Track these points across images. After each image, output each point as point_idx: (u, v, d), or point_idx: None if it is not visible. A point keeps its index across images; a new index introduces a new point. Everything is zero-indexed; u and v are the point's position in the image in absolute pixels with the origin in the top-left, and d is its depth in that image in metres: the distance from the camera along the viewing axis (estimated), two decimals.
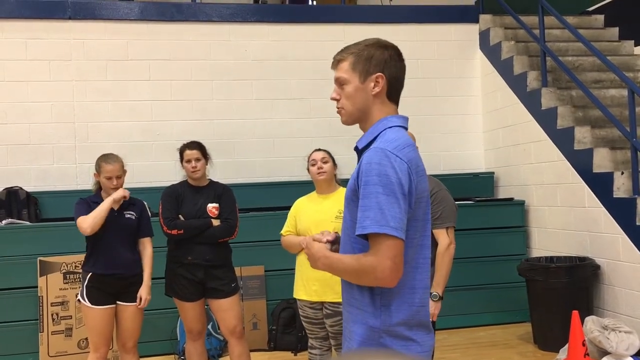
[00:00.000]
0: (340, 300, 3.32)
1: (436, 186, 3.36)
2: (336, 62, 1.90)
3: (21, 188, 5.59)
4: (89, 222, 3.58)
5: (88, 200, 3.71)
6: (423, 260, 1.79)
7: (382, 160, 1.69)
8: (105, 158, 3.74)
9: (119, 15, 6.13)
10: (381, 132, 1.79)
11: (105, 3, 6.20)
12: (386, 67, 1.81)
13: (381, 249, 1.66)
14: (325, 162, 3.56)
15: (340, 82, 1.87)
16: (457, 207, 3.49)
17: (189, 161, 3.88)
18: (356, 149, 1.88)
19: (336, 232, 1.99)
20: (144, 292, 3.69)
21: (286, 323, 5.17)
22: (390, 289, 1.72)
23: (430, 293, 3.22)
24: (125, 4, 6.22)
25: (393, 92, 1.84)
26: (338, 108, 1.90)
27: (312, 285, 3.44)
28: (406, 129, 1.84)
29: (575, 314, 3.78)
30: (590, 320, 4.31)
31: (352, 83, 1.83)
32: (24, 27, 5.90)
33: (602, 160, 4.89)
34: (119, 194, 3.66)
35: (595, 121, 5.35)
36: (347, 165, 3.83)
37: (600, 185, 4.86)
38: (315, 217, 3.53)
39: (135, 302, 3.70)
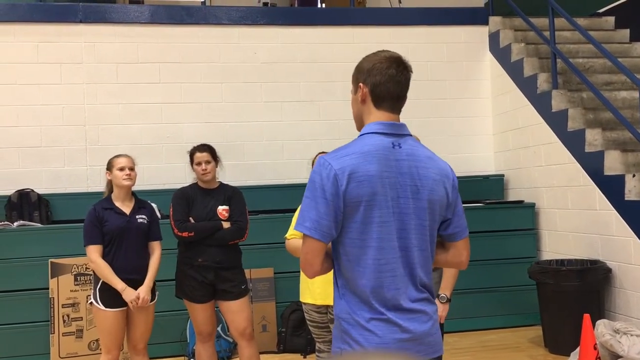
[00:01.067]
0: None
1: None
2: None
3: (32, 190, 5.63)
4: (93, 265, 3.64)
5: (97, 211, 3.69)
6: (373, 260, 1.85)
7: (316, 167, 1.89)
8: (116, 155, 3.82)
9: (130, 19, 6.16)
10: (355, 139, 1.94)
11: (115, 6, 6.24)
12: (368, 77, 1.93)
13: (303, 245, 1.90)
14: None
15: None
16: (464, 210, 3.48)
17: (199, 164, 3.90)
18: None
19: None
20: (142, 291, 3.66)
21: (296, 325, 5.17)
22: (343, 283, 1.90)
23: (438, 295, 3.22)
24: (136, 8, 6.26)
25: (379, 99, 1.93)
26: None
27: (316, 288, 3.44)
28: (387, 133, 1.89)
29: (586, 317, 3.76)
30: (601, 323, 4.28)
31: (351, 94, 2.03)
32: (35, 31, 5.95)
33: (613, 163, 4.86)
34: (132, 296, 3.61)
35: (606, 123, 5.32)
36: None
37: (611, 187, 4.83)
38: None
39: (148, 303, 3.71)
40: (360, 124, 1.99)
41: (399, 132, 1.91)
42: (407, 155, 1.89)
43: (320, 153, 3.65)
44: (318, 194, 1.84)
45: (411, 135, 1.96)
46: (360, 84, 1.95)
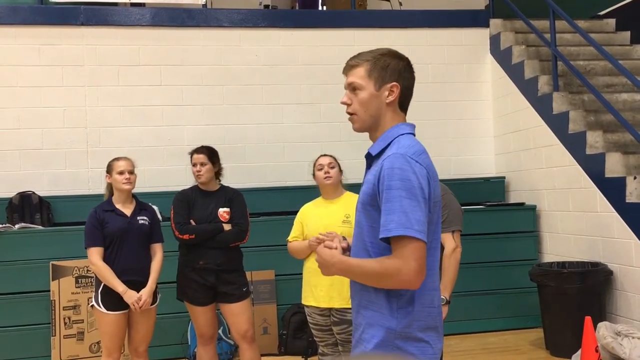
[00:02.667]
0: (347, 306, 3.36)
1: (442, 190, 3.35)
2: (349, 67, 1.91)
3: (34, 192, 5.64)
4: (94, 267, 3.65)
5: (98, 213, 3.70)
6: (436, 262, 1.84)
7: (404, 165, 1.72)
8: (116, 158, 3.82)
9: (131, 21, 6.17)
10: (395, 138, 1.82)
11: (117, 9, 6.25)
12: (401, 77, 1.85)
13: (406, 251, 1.68)
14: (332, 167, 3.58)
15: (353, 88, 1.89)
16: (463, 211, 3.49)
17: (194, 165, 3.92)
18: (368, 155, 1.90)
19: (345, 239, 1.98)
20: (144, 293, 3.67)
21: (297, 328, 5.17)
22: (406, 291, 1.75)
23: None
24: (137, 10, 6.27)
25: (405, 101, 1.89)
26: (350, 114, 1.92)
27: (320, 291, 3.44)
28: (414, 136, 1.89)
29: (588, 319, 3.75)
30: (603, 326, 4.28)
31: (367, 90, 1.86)
32: (37, 33, 5.96)
33: (614, 165, 4.85)
34: (134, 298, 3.62)
35: (607, 125, 5.32)
36: (357, 170, 3.81)
37: (612, 190, 4.82)
38: (322, 222, 3.53)
39: (150, 306, 3.71)
40: (373, 123, 1.87)
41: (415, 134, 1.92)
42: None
43: (322, 155, 3.66)
44: (418, 193, 1.70)
45: None
46: (394, 83, 1.84)
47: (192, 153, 3.99)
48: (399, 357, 1.65)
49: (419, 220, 1.68)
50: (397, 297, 1.76)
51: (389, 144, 1.83)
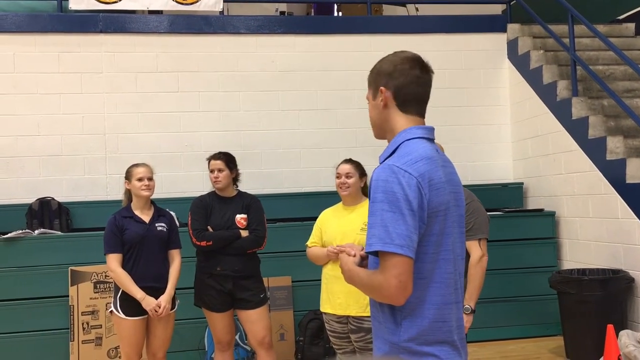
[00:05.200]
0: (364, 314, 3.35)
1: (468, 197, 3.32)
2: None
3: (53, 198, 5.69)
4: (113, 274, 3.68)
5: (117, 219, 3.72)
6: (446, 275, 1.73)
7: (389, 177, 1.67)
8: (134, 165, 3.84)
9: (149, 29, 6.23)
10: (400, 144, 1.77)
11: (135, 16, 6.31)
12: (390, 79, 1.79)
13: (387, 267, 1.64)
14: (349, 177, 3.52)
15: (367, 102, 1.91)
16: (489, 219, 3.45)
17: (212, 171, 3.92)
18: (379, 162, 1.88)
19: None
20: (163, 300, 3.68)
21: (313, 334, 5.15)
22: (410, 305, 1.70)
23: (462, 306, 3.18)
24: (155, 17, 6.32)
25: (405, 102, 1.79)
26: None
27: (337, 299, 3.42)
28: (430, 139, 1.80)
29: (610, 327, 3.70)
30: (624, 334, 4.21)
31: (369, 100, 1.87)
32: (57, 41, 6.03)
33: (635, 171, 4.79)
34: (152, 305, 3.63)
35: (627, 131, 5.25)
36: None
37: (633, 196, 4.75)
38: (340, 228, 3.51)
39: (169, 312, 3.72)
40: (381, 131, 1.86)
41: (434, 138, 1.83)
42: (445, 161, 1.82)
43: (343, 162, 3.63)
44: (402, 205, 1.63)
45: None
46: (382, 88, 1.79)
47: (209, 159, 4.00)
48: (397, 358, 1.64)
49: (400, 234, 1.62)
50: (400, 311, 1.71)
51: (394, 150, 1.77)
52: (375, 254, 1.69)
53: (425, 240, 1.68)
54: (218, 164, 3.93)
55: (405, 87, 1.78)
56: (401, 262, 1.62)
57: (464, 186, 3.56)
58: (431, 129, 1.82)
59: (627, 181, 4.81)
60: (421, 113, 1.82)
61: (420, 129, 1.78)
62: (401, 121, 1.79)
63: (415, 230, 1.64)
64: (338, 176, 3.56)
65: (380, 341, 1.76)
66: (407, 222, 1.63)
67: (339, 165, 3.62)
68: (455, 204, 1.78)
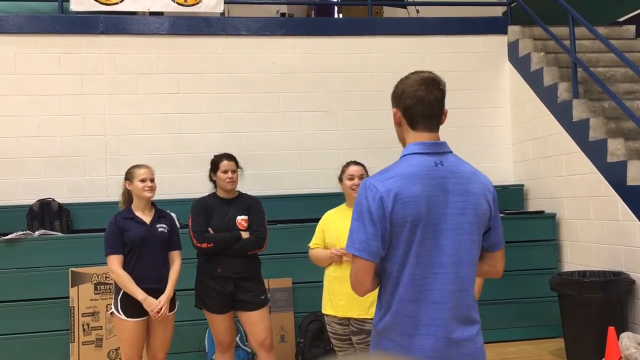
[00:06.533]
0: (366, 316, 3.35)
1: None
2: None
3: (54, 200, 5.69)
4: (114, 275, 3.67)
5: (118, 221, 3.71)
6: (412, 276, 1.92)
7: (361, 190, 1.97)
8: (136, 166, 3.82)
9: (150, 30, 6.23)
10: (399, 159, 2.02)
11: (136, 18, 6.31)
12: (400, 101, 2.02)
13: (352, 265, 1.97)
14: (362, 179, 3.53)
15: None
16: None
17: (225, 172, 3.89)
18: None
19: None
20: (163, 300, 3.68)
21: (314, 336, 5.14)
22: (384, 299, 1.98)
23: None
24: (156, 19, 6.33)
25: (413, 121, 2.00)
26: None
27: (339, 300, 3.42)
28: (428, 153, 1.96)
29: (611, 330, 3.70)
30: (625, 336, 4.21)
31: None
32: (58, 42, 6.03)
33: (636, 173, 4.78)
34: (153, 305, 3.63)
35: (628, 133, 5.25)
36: None
37: (634, 198, 4.75)
38: (343, 230, 3.48)
39: (168, 313, 3.72)
40: (403, 144, 2.08)
41: (439, 151, 1.99)
42: (450, 172, 1.96)
43: (352, 163, 3.63)
44: (365, 215, 1.91)
45: (451, 152, 2.02)
46: (394, 109, 2.04)
47: (220, 159, 3.96)
48: (396, 357, 1.77)
49: (360, 240, 1.91)
50: (379, 303, 2.01)
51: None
52: None
53: (394, 246, 1.92)
54: (232, 165, 3.92)
55: (411, 108, 1.99)
56: (359, 262, 1.93)
57: None
58: (431, 144, 1.98)
59: (628, 183, 4.81)
60: (430, 128, 2.00)
61: (417, 145, 1.98)
62: (410, 137, 2.02)
63: (374, 238, 1.90)
64: (351, 177, 3.53)
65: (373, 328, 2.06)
66: (367, 230, 1.90)
67: (347, 166, 3.60)
68: (461, 212, 1.94)
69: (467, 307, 1.97)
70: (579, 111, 5.53)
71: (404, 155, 2.00)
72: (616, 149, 5.04)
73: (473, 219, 1.95)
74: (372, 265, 1.93)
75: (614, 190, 4.98)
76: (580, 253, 5.52)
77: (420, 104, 1.97)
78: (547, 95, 5.98)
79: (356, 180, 3.51)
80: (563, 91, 5.79)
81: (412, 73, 2.05)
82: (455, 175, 1.95)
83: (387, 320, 1.96)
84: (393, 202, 1.89)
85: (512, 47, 6.66)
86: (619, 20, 7.17)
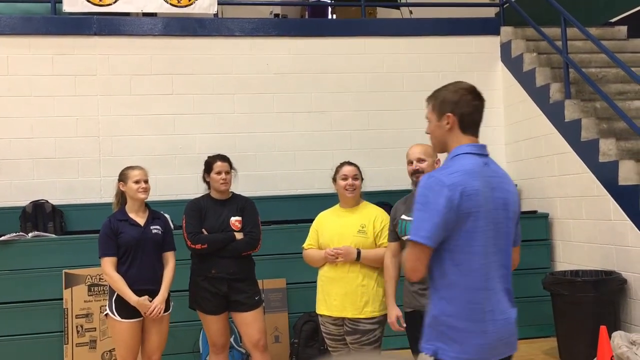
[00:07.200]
0: (360, 316, 3.36)
1: None
2: (426, 104, 2.33)
3: (47, 201, 5.68)
4: (107, 277, 3.67)
5: (112, 222, 3.71)
6: (477, 264, 2.09)
7: (426, 184, 2.11)
8: (130, 167, 3.83)
9: (143, 31, 6.23)
10: (452, 159, 2.19)
11: (129, 19, 6.31)
12: (456, 107, 2.20)
13: (409, 251, 2.11)
14: (356, 179, 3.54)
15: (428, 120, 2.31)
16: None
17: (219, 173, 3.90)
18: None
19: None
20: (157, 300, 3.68)
21: (308, 336, 5.15)
22: (447, 287, 2.09)
23: None
24: (149, 20, 6.32)
25: (466, 126, 2.21)
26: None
27: (333, 300, 3.43)
28: (478, 154, 2.18)
29: (603, 329, 3.73)
30: (617, 335, 4.24)
31: (432, 121, 2.27)
32: (50, 43, 6.02)
33: (628, 173, 4.82)
34: (146, 306, 3.62)
35: (620, 133, 5.28)
36: (367, 179, 3.82)
37: (626, 198, 4.79)
38: (337, 230, 3.52)
39: (163, 314, 3.72)
40: (442, 146, 2.27)
41: (485, 153, 2.22)
42: (494, 172, 2.20)
43: (346, 163, 3.63)
44: (431, 206, 2.06)
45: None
46: (449, 114, 2.20)
47: (213, 160, 3.96)
48: (396, 357, 1.83)
49: (426, 228, 2.05)
50: (439, 290, 2.12)
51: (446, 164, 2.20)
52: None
53: (459, 236, 2.07)
54: (226, 166, 3.93)
55: (468, 115, 2.21)
56: (421, 249, 2.06)
57: None
58: (481, 146, 2.22)
59: (620, 183, 4.84)
60: (476, 134, 2.25)
61: (469, 147, 2.20)
62: (457, 140, 2.21)
63: (439, 227, 2.04)
64: (344, 178, 3.54)
65: (427, 315, 2.17)
66: (433, 220, 2.04)
67: (341, 166, 3.61)
68: (503, 207, 2.16)
69: (510, 292, 2.22)
70: (571, 111, 5.56)
71: (458, 155, 2.17)
72: (608, 149, 5.07)
73: (511, 215, 2.19)
74: (431, 253, 2.08)
75: (605, 190, 5.02)
76: (573, 252, 5.56)
77: (477, 112, 2.23)
78: (539, 96, 6.02)
79: (349, 181, 3.52)
80: (555, 92, 5.82)
81: (456, 82, 2.28)
82: (497, 175, 2.20)
83: (451, 310, 2.08)
84: (459, 195, 2.05)
85: (505, 48, 6.69)
86: (610, 21, 7.22)
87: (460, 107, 2.21)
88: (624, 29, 6.94)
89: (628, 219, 4.75)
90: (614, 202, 4.91)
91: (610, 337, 4.10)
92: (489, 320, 2.11)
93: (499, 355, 2.18)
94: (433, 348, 2.11)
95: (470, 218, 2.08)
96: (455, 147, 2.21)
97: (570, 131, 5.50)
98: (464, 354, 2.08)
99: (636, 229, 4.66)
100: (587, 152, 5.26)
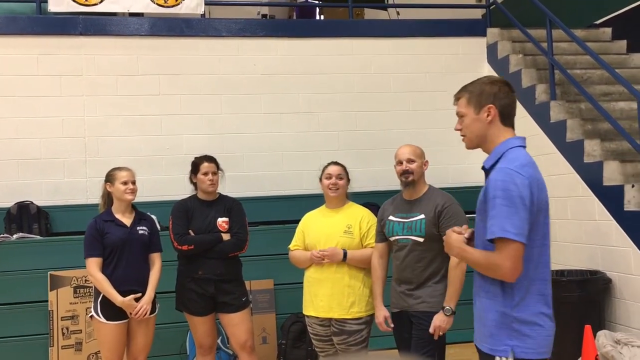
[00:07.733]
0: (347, 317, 3.37)
1: (448, 200, 3.37)
2: (455, 99, 2.32)
3: (32, 202, 5.63)
4: (92, 278, 3.66)
5: (98, 223, 3.69)
6: (547, 257, 2.15)
7: (505, 177, 2.07)
8: (117, 168, 3.81)
9: (129, 31, 6.19)
10: (504, 153, 2.17)
11: (115, 19, 6.27)
12: (496, 99, 2.20)
13: (503, 250, 2.04)
14: (340, 179, 3.54)
15: (460, 115, 2.30)
16: (469, 221, 3.47)
17: (206, 174, 3.89)
18: (483, 168, 2.26)
19: (472, 230, 2.29)
20: (143, 301, 3.67)
21: (296, 337, 5.15)
22: (523, 283, 2.08)
23: (443, 307, 3.21)
24: (136, 20, 6.29)
25: (506, 117, 2.22)
26: (462, 136, 2.33)
27: (320, 301, 3.44)
28: (525, 147, 2.20)
29: (587, 328, 3.76)
30: (602, 334, 4.27)
31: (469, 115, 2.25)
32: (35, 43, 5.97)
33: (612, 173, 4.86)
34: (132, 306, 3.61)
35: (604, 134, 5.33)
36: (355, 179, 3.83)
37: (610, 198, 4.83)
38: (323, 230, 3.53)
39: (149, 316, 3.70)
40: (479, 140, 2.24)
41: (526, 146, 2.25)
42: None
43: (331, 163, 3.64)
44: (517, 201, 2.03)
45: None
46: (490, 106, 2.19)
47: (200, 161, 3.95)
48: (397, 357, 1.84)
49: (515, 224, 2.01)
50: (512, 286, 2.09)
51: (499, 158, 2.17)
52: (492, 240, 2.07)
53: (533, 230, 2.07)
54: (213, 167, 3.92)
55: (508, 106, 2.22)
56: (515, 247, 2.02)
57: (442, 189, 3.63)
58: (525, 139, 2.24)
59: (604, 183, 4.89)
60: (513, 125, 2.25)
61: (517, 139, 2.20)
62: (502, 133, 2.21)
63: (527, 222, 2.03)
64: (328, 177, 3.54)
65: (491, 313, 2.16)
66: (520, 214, 2.02)
67: (327, 166, 3.62)
68: (546, 199, 2.19)
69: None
70: (556, 112, 5.61)
71: (512, 148, 2.16)
72: (592, 149, 5.11)
73: (549, 205, 2.21)
74: (524, 249, 2.04)
75: (590, 191, 5.06)
76: (559, 252, 5.59)
77: (514, 104, 2.24)
78: (525, 97, 6.05)
79: (333, 180, 3.52)
80: (541, 93, 5.87)
81: (490, 76, 2.32)
82: (538, 168, 2.21)
83: (525, 304, 2.09)
84: (537, 188, 2.08)
85: (491, 49, 6.73)
86: (595, 22, 7.28)
87: (500, 99, 2.20)
88: (608, 30, 7.01)
89: (612, 219, 4.80)
90: (599, 202, 4.95)
91: (595, 336, 4.13)
92: (549, 309, 2.15)
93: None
94: (508, 348, 2.10)
95: (542, 212, 2.11)
96: (503, 141, 2.18)
97: (555, 132, 5.55)
98: (540, 347, 2.10)
99: (620, 229, 4.71)
100: (572, 152, 5.31)
